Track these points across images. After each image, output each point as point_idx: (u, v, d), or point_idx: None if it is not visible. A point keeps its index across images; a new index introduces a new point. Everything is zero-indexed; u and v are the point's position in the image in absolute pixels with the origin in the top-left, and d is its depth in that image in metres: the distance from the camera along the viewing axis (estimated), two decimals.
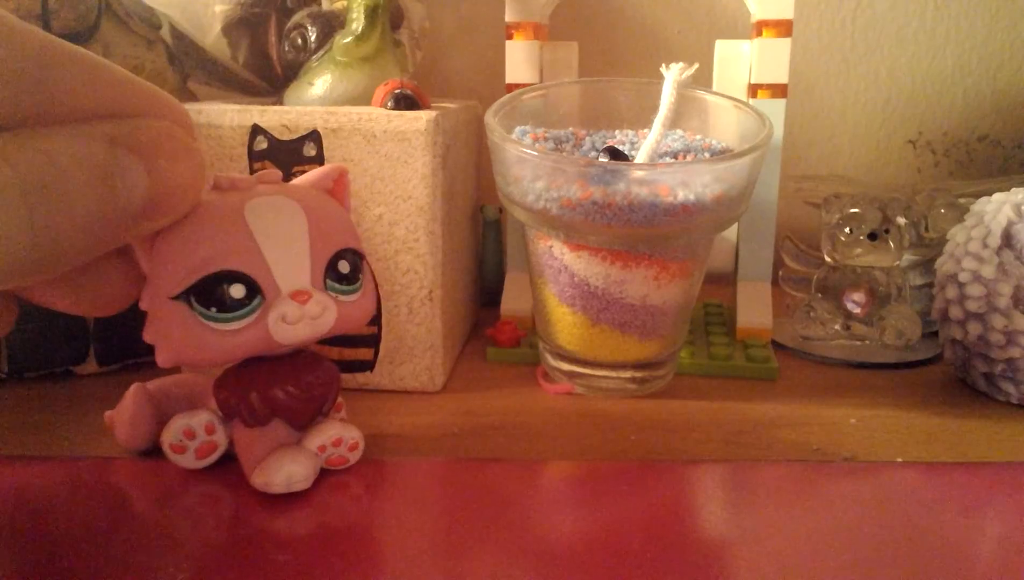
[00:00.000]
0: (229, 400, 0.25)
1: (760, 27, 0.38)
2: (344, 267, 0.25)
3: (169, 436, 0.26)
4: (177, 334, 0.23)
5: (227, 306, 0.23)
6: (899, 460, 0.28)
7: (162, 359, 0.23)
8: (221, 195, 0.23)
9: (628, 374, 0.34)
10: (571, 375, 0.35)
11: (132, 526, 0.24)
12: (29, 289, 0.21)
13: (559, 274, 0.32)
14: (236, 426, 0.26)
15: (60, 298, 0.22)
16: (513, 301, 0.41)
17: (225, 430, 0.26)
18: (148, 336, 0.23)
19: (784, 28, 0.37)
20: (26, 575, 0.21)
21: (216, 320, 0.23)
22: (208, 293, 0.22)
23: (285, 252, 0.23)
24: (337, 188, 0.27)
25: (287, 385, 0.25)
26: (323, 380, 0.26)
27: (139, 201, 0.18)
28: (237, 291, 0.23)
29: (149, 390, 0.28)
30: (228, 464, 0.27)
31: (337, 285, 0.25)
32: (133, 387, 0.28)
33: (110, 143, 0.18)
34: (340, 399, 0.29)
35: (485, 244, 0.45)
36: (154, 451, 0.28)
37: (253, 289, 0.23)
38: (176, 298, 0.22)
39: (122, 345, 0.36)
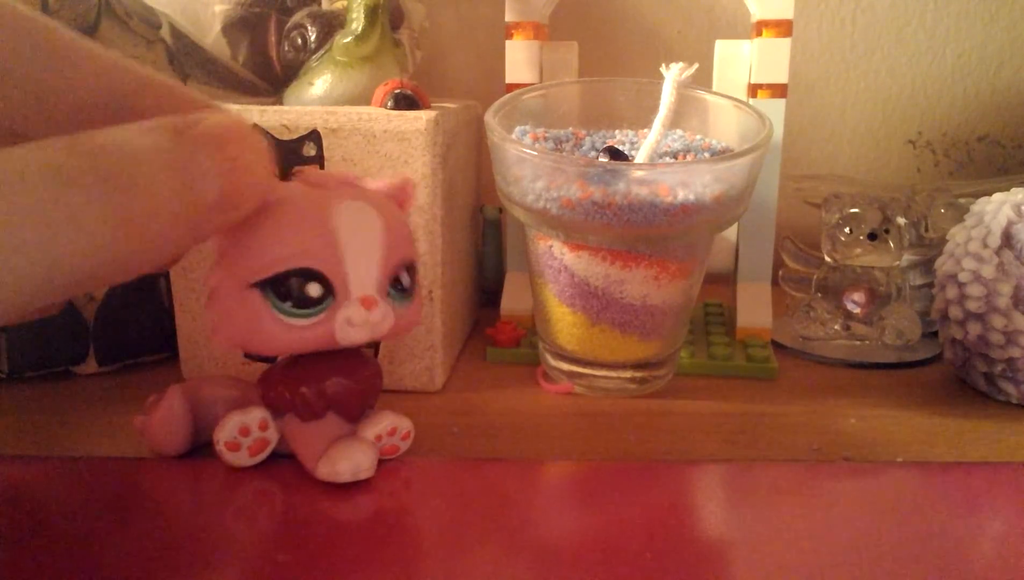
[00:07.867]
0: (283, 395, 0.26)
1: (760, 27, 0.38)
2: (405, 279, 0.25)
3: (224, 434, 0.26)
4: (242, 320, 0.23)
5: (302, 302, 0.23)
6: (899, 460, 0.28)
7: (219, 339, 0.24)
8: (306, 190, 0.23)
9: (628, 374, 0.34)
10: (571, 375, 0.35)
11: (132, 526, 0.24)
12: None
13: (559, 274, 0.32)
14: (289, 422, 0.26)
15: None
16: (513, 301, 0.41)
17: (276, 427, 0.27)
18: (210, 314, 0.24)
19: (784, 28, 0.37)
20: (26, 575, 0.21)
21: (288, 314, 0.23)
22: (286, 287, 0.23)
23: (362, 258, 0.24)
24: (403, 200, 0.27)
25: (337, 377, 0.26)
26: (370, 373, 0.27)
27: (214, 192, 0.18)
28: (314, 289, 0.23)
29: (184, 392, 0.28)
30: (226, 463, 0.27)
31: (396, 295, 0.25)
32: (170, 390, 0.28)
33: (175, 133, 0.17)
34: None
35: (485, 244, 0.45)
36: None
37: (328, 289, 0.23)
38: (252, 286, 0.23)
39: (122, 345, 0.36)
